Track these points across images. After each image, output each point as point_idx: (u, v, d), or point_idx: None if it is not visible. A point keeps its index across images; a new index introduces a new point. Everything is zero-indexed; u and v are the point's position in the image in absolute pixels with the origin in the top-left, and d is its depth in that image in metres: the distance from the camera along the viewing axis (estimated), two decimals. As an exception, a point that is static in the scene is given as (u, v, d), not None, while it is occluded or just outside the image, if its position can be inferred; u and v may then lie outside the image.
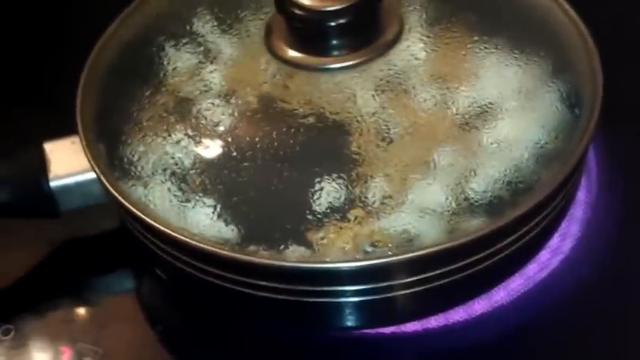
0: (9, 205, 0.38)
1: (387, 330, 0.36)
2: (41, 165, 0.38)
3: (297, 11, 0.36)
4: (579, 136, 0.35)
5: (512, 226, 0.33)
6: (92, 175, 0.37)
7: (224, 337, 0.37)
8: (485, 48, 0.37)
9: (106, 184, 0.36)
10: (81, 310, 0.38)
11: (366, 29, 0.37)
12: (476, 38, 0.37)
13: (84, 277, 0.39)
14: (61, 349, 0.37)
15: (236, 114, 0.36)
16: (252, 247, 0.34)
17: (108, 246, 0.40)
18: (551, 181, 0.34)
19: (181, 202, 0.35)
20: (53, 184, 0.38)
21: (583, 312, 0.36)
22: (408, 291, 0.34)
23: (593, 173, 0.40)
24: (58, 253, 0.40)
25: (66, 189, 0.38)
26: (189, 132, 0.36)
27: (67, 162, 0.38)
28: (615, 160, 0.40)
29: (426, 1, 0.38)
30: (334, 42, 0.36)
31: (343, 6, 0.35)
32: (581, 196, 0.39)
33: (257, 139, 0.35)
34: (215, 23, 0.39)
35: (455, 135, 0.35)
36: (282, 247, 0.33)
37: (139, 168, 0.36)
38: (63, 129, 0.38)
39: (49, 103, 0.44)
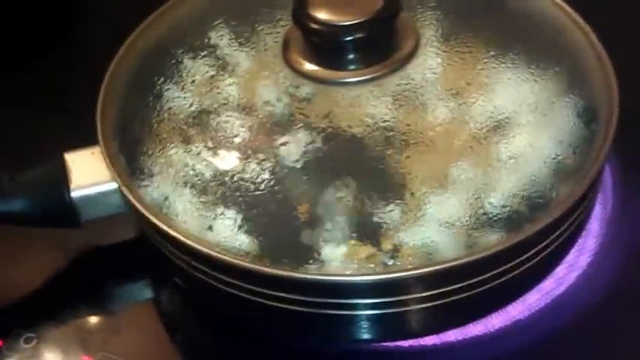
0: (31, 214, 0.38)
1: (406, 343, 0.36)
2: (63, 175, 0.38)
3: (314, 25, 0.36)
4: (596, 152, 0.35)
5: (530, 241, 0.34)
6: (113, 186, 0.37)
7: (242, 347, 0.37)
8: (501, 63, 0.37)
9: (127, 194, 0.36)
10: (101, 319, 0.39)
11: (382, 44, 0.37)
12: (492, 53, 0.37)
13: (104, 286, 0.40)
14: (83, 358, 0.37)
15: (254, 126, 0.37)
16: (271, 259, 0.34)
17: (128, 255, 0.40)
18: (569, 196, 0.34)
19: (201, 213, 0.35)
20: (74, 194, 0.38)
21: (600, 327, 0.36)
22: (426, 305, 0.34)
23: (609, 188, 0.40)
24: (79, 262, 0.41)
25: (87, 199, 0.38)
26: (209, 144, 0.37)
27: (88, 172, 0.38)
28: (631, 175, 0.40)
29: (441, 16, 0.39)
30: (351, 56, 0.37)
31: (360, 20, 0.36)
32: (598, 211, 0.39)
33: (275, 151, 0.36)
34: (233, 36, 0.40)
35: (472, 149, 0.35)
36: (302, 259, 0.34)
37: (159, 179, 0.37)
38: (84, 139, 0.38)
39: (70, 113, 0.44)
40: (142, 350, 0.38)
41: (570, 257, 0.38)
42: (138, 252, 0.39)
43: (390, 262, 0.33)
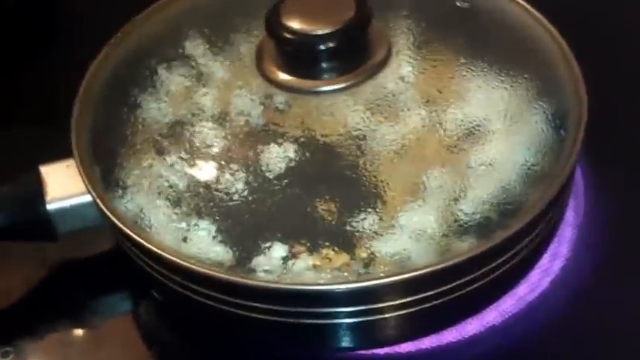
0: (7, 228, 0.38)
1: (381, 351, 0.36)
2: (38, 188, 0.38)
3: (287, 35, 0.36)
4: (565, 157, 0.35)
5: (501, 247, 0.34)
6: (89, 198, 0.37)
7: (220, 359, 0.37)
8: (472, 70, 0.38)
9: (102, 206, 0.36)
10: (79, 332, 0.39)
11: (355, 52, 0.37)
12: (463, 61, 0.38)
13: (81, 299, 0.40)
14: (60, 372, 0.37)
15: (228, 137, 0.37)
16: (247, 270, 0.34)
17: (106, 268, 0.40)
18: (539, 202, 0.34)
19: (177, 224, 0.35)
20: (50, 207, 0.38)
21: (574, 331, 0.36)
22: (401, 312, 0.34)
23: (581, 194, 0.40)
24: (56, 276, 0.40)
25: (63, 212, 0.38)
26: (183, 155, 0.37)
27: (64, 185, 0.38)
28: (602, 180, 0.40)
29: (413, 24, 0.39)
30: (324, 65, 0.37)
31: (332, 30, 0.36)
32: (570, 216, 0.39)
33: (250, 161, 0.36)
34: (207, 46, 0.40)
35: (443, 157, 0.35)
36: (276, 269, 0.34)
37: (135, 190, 0.37)
38: (58, 152, 0.38)
39: (44, 126, 0.44)
40: (120, 363, 0.38)
41: (543, 262, 0.38)
42: (115, 265, 0.39)
43: (364, 271, 0.33)
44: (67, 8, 0.52)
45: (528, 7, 0.40)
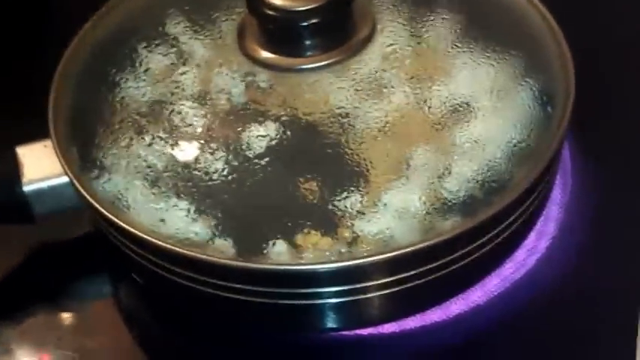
0: (-18, 211, 0.38)
1: (365, 331, 0.36)
2: (14, 169, 0.37)
3: (268, 12, 0.36)
4: (552, 134, 0.35)
5: (486, 225, 0.33)
6: (66, 179, 0.37)
7: (202, 341, 0.37)
8: (458, 47, 0.37)
9: (79, 187, 0.35)
10: (58, 316, 0.38)
11: (338, 29, 0.37)
12: (448, 37, 0.37)
13: (60, 282, 0.39)
14: (39, 357, 0.37)
15: (209, 116, 0.36)
16: (227, 250, 0.33)
17: (84, 251, 0.39)
18: (525, 179, 0.34)
19: (155, 205, 0.35)
20: (27, 188, 0.37)
21: (560, 310, 0.36)
22: (384, 292, 0.34)
23: (568, 173, 0.40)
24: (33, 259, 0.40)
25: (40, 193, 0.37)
26: (162, 134, 0.36)
27: (41, 166, 0.37)
28: (590, 159, 0.40)
29: (398, 0, 0.38)
30: (307, 42, 0.36)
31: (315, 5, 0.35)
32: (557, 195, 0.39)
33: (230, 141, 0.35)
34: (187, 25, 0.39)
35: (428, 134, 0.35)
36: (258, 249, 0.33)
37: (112, 171, 0.36)
38: (36, 133, 0.38)
39: (22, 106, 0.43)
40: (100, 347, 0.37)
41: (530, 241, 0.38)
42: (94, 247, 0.39)
43: (348, 250, 0.33)
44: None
45: (515, -17, 0.40)
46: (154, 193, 0.35)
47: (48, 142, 0.37)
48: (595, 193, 0.39)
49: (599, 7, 0.46)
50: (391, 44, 0.37)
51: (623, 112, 0.42)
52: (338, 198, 0.34)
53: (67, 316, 0.38)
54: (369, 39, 0.37)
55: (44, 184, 0.37)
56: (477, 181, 0.34)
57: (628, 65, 0.43)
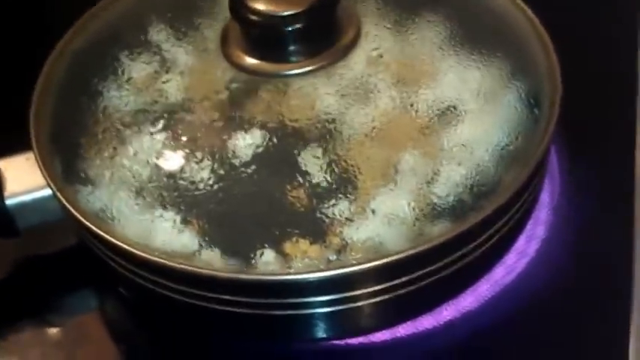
0: (-36, 225, 0.37)
1: (356, 341, 0.35)
2: (-4, 183, 0.37)
3: (252, 17, 0.35)
4: (540, 137, 0.35)
5: (476, 229, 0.33)
6: (49, 192, 0.36)
7: (189, 353, 0.36)
8: (444, 50, 0.37)
9: (62, 199, 0.35)
10: (42, 332, 0.37)
11: (323, 34, 0.36)
12: (434, 40, 0.37)
13: (45, 297, 0.38)
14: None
15: (193, 124, 0.36)
16: (214, 261, 0.33)
17: (69, 264, 0.39)
18: (513, 183, 0.34)
19: (141, 216, 0.34)
20: (9, 202, 0.37)
21: (551, 313, 0.36)
22: (375, 300, 0.33)
23: (556, 176, 0.40)
24: (17, 274, 0.39)
25: (23, 206, 0.37)
26: (146, 144, 0.36)
27: (23, 179, 0.37)
28: (578, 162, 0.40)
29: (383, 3, 0.38)
30: (291, 48, 0.36)
31: (299, 10, 0.35)
32: (545, 198, 0.39)
33: (216, 149, 0.35)
34: (170, 32, 0.39)
35: (416, 139, 0.35)
36: (246, 259, 0.33)
37: (96, 182, 0.35)
38: (17, 145, 0.37)
39: (1, 119, 0.43)
40: (86, 361, 0.37)
41: (519, 244, 0.38)
42: (79, 260, 0.38)
43: (337, 258, 0.33)
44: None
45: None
46: (139, 204, 0.34)
47: (30, 155, 0.36)
48: (583, 195, 0.39)
49: (586, 9, 0.45)
50: (377, 48, 0.36)
51: (611, 114, 0.42)
52: (326, 205, 0.33)
53: (52, 330, 0.38)
54: (354, 43, 0.36)
55: (27, 197, 0.37)
56: (466, 186, 0.34)
57: (615, 67, 0.43)
